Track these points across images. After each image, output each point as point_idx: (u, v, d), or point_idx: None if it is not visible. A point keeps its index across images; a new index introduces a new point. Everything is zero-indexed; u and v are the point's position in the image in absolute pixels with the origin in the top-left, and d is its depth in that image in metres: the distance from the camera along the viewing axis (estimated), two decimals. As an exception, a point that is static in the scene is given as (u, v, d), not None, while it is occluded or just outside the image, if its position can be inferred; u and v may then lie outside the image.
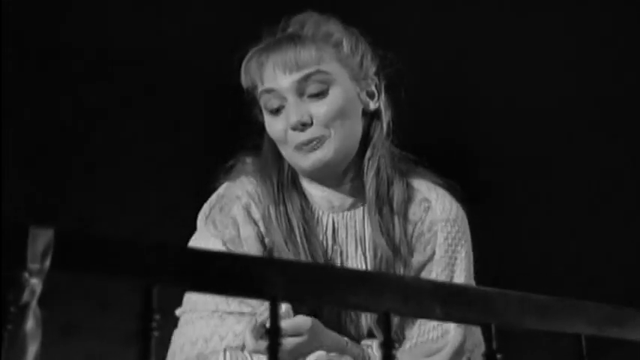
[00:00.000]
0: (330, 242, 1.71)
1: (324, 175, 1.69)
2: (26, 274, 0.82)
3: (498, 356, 1.02)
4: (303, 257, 1.65)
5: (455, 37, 4.41)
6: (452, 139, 5.18)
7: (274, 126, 1.67)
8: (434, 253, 1.70)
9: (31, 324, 0.82)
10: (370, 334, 1.71)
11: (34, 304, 0.83)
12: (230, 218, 1.70)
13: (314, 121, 1.63)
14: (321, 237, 1.71)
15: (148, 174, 4.63)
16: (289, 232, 1.67)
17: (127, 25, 4.36)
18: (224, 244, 1.67)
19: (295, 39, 1.64)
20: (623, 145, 5.05)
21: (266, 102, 1.67)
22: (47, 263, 0.83)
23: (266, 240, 1.69)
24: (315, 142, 1.63)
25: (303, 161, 1.65)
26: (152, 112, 4.71)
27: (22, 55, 4.00)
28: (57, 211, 4.22)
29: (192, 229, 1.76)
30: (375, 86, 1.73)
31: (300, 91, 1.63)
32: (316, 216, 1.72)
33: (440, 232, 1.70)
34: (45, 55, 4.39)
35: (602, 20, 4.20)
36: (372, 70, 1.73)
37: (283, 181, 1.72)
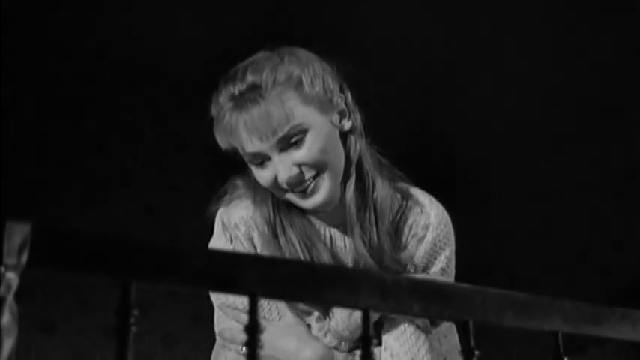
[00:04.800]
0: (328, 254, 1.73)
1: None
2: (2, 269, 0.81)
3: (476, 352, 1.03)
4: None
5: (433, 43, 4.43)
6: (429, 139, 5.20)
7: (263, 175, 1.68)
8: (428, 251, 1.78)
9: (6, 318, 0.81)
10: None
11: (10, 298, 0.82)
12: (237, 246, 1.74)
13: (302, 169, 1.65)
14: (320, 250, 1.73)
15: (126, 171, 4.61)
16: (291, 248, 1.70)
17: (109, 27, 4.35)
18: None
19: (257, 97, 1.62)
20: (595, 149, 5.09)
21: (250, 160, 1.69)
22: (24, 258, 0.83)
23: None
24: (309, 185, 1.66)
25: (302, 203, 1.69)
26: (131, 109, 4.70)
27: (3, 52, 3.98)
28: (34, 206, 4.20)
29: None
30: (345, 103, 1.74)
31: (280, 147, 1.64)
32: (316, 229, 1.75)
33: (430, 233, 1.77)
34: (24, 54, 4.37)
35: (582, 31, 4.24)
36: (337, 88, 1.73)
37: (280, 200, 1.73)
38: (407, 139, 4.24)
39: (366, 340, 1.00)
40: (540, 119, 4.98)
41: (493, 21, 4.30)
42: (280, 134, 1.62)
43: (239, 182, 1.79)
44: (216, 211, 1.78)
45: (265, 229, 1.72)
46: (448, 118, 5.04)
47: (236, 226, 1.73)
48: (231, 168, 1.81)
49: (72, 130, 4.51)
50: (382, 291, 0.99)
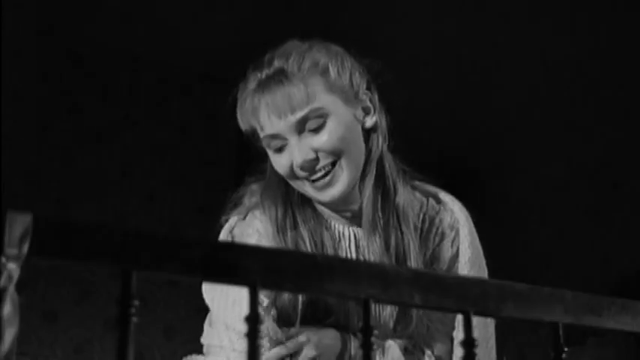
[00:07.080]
0: (354, 254, 1.71)
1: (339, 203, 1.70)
2: (3, 259, 0.81)
3: (475, 344, 1.03)
4: None
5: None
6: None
7: (280, 162, 1.66)
8: (458, 249, 1.75)
9: (8, 309, 0.81)
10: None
11: (11, 289, 0.82)
12: None
13: (319, 155, 1.63)
14: (344, 250, 1.72)
15: (127, 160, 4.61)
16: (302, 248, 1.67)
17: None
18: None
19: (282, 78, 1.62)
20: (595, 146, 5.09)
21: (268, 144, 1.67)
22: (25, 248, 0.83)
23: None
24: (327, 176, 1.64)
25: (318, 196, 1.66)
26: (131, 101, 4.69)
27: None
28: (35, 196, 4.20)
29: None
30: (370, 100, 1.72)
31: (298, 129, 1.62)
32: (336, 230, 1.73)
33: (461, 229, 1.75)
34: (24, 45, 4.37)
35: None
36: (363, 85, 1.71)
37: (294, 202, 1.72)
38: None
39: (367, 330, 1.00)
40: (541, 113, 4.98)
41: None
42: (299, 114, 1.61)
43: (255, 186, 1.77)
44: (229, 217, 1.76)
45: (273, 233, 1.69)
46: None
47: (249, 235, 1.71)
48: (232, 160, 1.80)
49: (72, 120, 4.51)
50: (383, 281, 0.99)
